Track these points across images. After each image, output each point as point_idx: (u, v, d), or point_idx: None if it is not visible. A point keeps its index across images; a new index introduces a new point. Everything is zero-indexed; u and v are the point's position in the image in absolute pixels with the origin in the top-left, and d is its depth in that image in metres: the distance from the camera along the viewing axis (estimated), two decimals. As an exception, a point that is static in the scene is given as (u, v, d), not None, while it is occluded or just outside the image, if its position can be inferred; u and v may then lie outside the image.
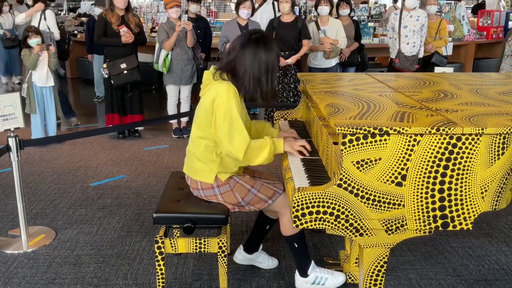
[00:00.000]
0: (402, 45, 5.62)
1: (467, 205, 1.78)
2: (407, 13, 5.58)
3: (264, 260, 2.74)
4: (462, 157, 1.73)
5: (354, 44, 5.88)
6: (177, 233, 2.79)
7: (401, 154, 1.73)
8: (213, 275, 2.68)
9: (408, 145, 1.72)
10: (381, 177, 1.75)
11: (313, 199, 1.78)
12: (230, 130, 2.17)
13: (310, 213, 1.79)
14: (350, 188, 1.76)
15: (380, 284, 1.94)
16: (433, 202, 1.77)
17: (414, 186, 1.76)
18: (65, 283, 2.62)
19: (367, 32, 7.29)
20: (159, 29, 5.16)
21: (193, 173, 2.38)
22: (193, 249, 2.30)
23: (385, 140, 1.72)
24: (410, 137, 1.72)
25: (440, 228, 1.81)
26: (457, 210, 1.78)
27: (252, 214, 3.35)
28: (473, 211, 1.78)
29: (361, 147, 1.73)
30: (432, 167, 1.74)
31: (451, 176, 1.74)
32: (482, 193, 1.77)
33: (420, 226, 1.81)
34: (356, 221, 1.80)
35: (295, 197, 1.79)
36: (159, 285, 2.33)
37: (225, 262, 2.32)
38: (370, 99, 2.17)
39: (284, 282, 2.63)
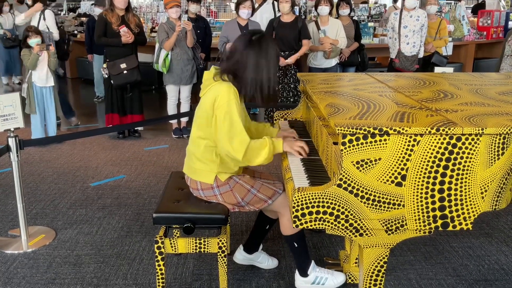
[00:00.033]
0: (402, 45, 5.62)
1: (467, 205, 1.78)
2: (407, 13, 5.58)
3: (264, 260, 2.74)
4: (462, 157, 1.73)
5: (354, 44, 5.88)
6: (177, 233, 2.79)
7: (401, 154, 1.73)
8: (213, 275, 2.69)
9: (408, 145, 1.72)
10: (381, 177, 1.75)
11: (313, 199, 1.78)
12: (230, 130, 2.17)
13: (310, 213, 1.79)
14: (350, 188, 1.76)
15: (380, 284, 1.94)
16: (433, 202, 1.77)
17: (414, 186, 1.76)
18: (65, 283, 2.62)
19: (367, 32, 7.29)
20: (159, 29, 5.16)
21: (193, 173, 2.38)
22: (193, 249, 2.30)
23: (385, 140, 1.72)
24: (410, 137, 1.72)
25: (440, 228, 1.81)
26: (457, 210, 1.78)
27: (252, 214, 3.35)
28: (473, 211, 1.79)
29: (361, 147, 1.73)
30: (432, 167, 1.74)
31: (451, 176, 1.74)
32: (482, 193, 1.77)
33: (420, 226, 1.81)
34: (356, 221, 1.80)
35: (295, 197, 1.79)
36: (159, 285, 2.33)
37: (225, 262, 2.32)
38: (370, 99, 2.17)
39: (284, 282, 2.63)
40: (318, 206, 1.78)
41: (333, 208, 1.78)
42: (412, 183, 1.75)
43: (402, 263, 2.82)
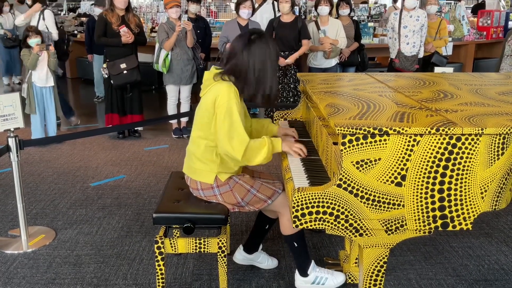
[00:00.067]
0: (402, 45, 5.62)
1: (466, 205, 1.78)
2: (407, 13, 5.58)
3: (264, 260, 2.75)
4: (461, 157, 1.73)
5: (354, 44, 5.88)
6: (177, 233, 2.80)
7: (401, 154, 1.73)
8: (213, 275, 2.69)
9: (408, 145, 1.72)
10: (380, 177, 1.75)
11: (312, 199, 1.78)
12: (230, 130, 2.17)
13: (310, 213, 1.80)
14: (349, 188, 1.76)
15: (380, 284, 1.94)
16: (433, 202, 1.77)
17: (414, 186, 1.76)
18: (65, 283, 2.62)
19: (367, 32, 7.29)
20: (159, 29, 5.16)
21: (193, 173, 2.38)
22: (193, 249, 2.30)
23: (384, 140, 1.72)
24: (410, 137, 1.72)
25: (440, 228, 1.81)
26: (456, 210, 1.78)
27: (252, 214, 3.36)
28: (472, 211, 1.79)
29: (360, 147, 1.73)
30: (431, 167, 1.74)
31: (451, 176, 1.75)
32: (481, 193, 1.77)
33: (420, 226, 1.81)
34: (355, 221, 1.80)
35: (295, 197, 1.79)
36: (159, 285, 2.33)
37: (225, 262, 2.33)
38: (370, 99, 2.17)
39: (284, 282, 2.63)
40: (318, 206, 1.78)
41: (333, 208, 1.78)
42: (412, 183, 1.75)
43: (402, 263, 2.82)
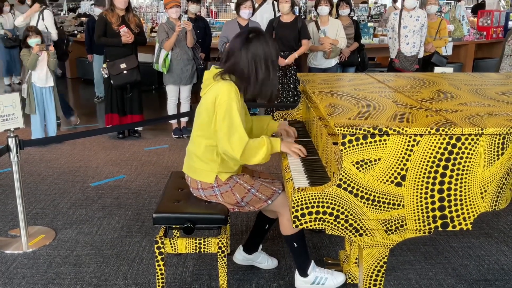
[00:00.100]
0: (402, 45, 5.62)
1: (466, 205, 1.78)
2: (406, 13, 5.58)
3: (264, 260, 2.75)
4: (461, 158, 1.73)
5: (354, 44, 5.88)
6: (176, 233, 2.80)
7: (401, 154, 1.73)
8: (213, 275, 2.69)
9: (408, 145, 1.73)
10: (380, 177, 1.75)
11: (312, 199, 1.78)
12: (230, 129, 2.17)
13: (310, 213, 1.80)
14: (349, 188, 1.76)
15: (380, 284, 1.94)
16: (433, 202, 1.77)
17: (414, 186, 1.76)
18: (65, 283, 2.62)
19: (367, 32, 7.29)
20: (159, 29, 5.16)
21: (193, 172, 2.38)
22: (192, 249, 2.30)
23: (384, 140, 1.72)
24: (410, 137, 1.72)
25: (440, 228, 1.81)
26: (456, 210, 1.78)
27: (252, 214, 3.36)
28: (472, 211, 1.79)
29: (360, 148, 1.73)
30: (431, 167, 1.74)
31: (451, 177, 1.75)
32: (481, 193, 1.77)
33: (420, 226, 1.81)
34: (355, 221, 1.80)
35: (294, 197, 1.79)
36: (159, 285, 2.33)
37: (224, 262, 2.33)
38: (369, 99, 2.17)
39: (284, 282, 2.63)
40: (318, 206, 1.78)
41: (333, 208, 1.78)
42: (411, 183, 1.75)
43: (402, 263, 2.82)
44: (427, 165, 1.74)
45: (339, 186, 1.76)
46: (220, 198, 2.36)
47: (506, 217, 3.46)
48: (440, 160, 1.73)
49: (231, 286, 2.59)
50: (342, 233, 1.83)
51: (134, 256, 2.90)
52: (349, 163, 1.74)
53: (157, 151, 4.99)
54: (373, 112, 1.92)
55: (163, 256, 2.29)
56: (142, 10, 9.27)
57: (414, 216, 1.79)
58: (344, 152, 1.73)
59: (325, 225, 1.81)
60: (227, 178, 2.33)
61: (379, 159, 1.73)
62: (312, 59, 5.55)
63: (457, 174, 1.74)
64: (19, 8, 9.20)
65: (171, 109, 5.38)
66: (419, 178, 1.75)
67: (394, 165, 1.74)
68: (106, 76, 5.11)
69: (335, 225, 1.81)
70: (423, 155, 1.73)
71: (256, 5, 5.90)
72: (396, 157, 1.73)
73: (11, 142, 2.94)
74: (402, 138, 1.72)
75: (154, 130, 5.81)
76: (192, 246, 2.30)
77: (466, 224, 1.80)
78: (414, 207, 1.78)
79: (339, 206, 1.78)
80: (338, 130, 1.71)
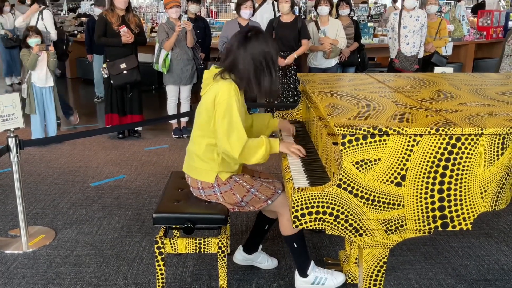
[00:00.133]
0: (402, 45, 5.62)
1: (466, 205, 1.78)
2: (406, 13, 5.58)
3: (264, 260, 2.75)
4: (461, 158, 1.73)
5: (354, 44, 5.88)
6: (176, 233, 2.80)
7: (401, 154, 1.73)
8: (213, 275, 2.69)
9: (408, 146, 1.73)
10: (380, 177, 1.75)
11: (312, 199, 1.78)
12: (229, 127, 2.17)
13: (310, 213, 1.80)
14: (349, 189, 1.76)
15: (380, 284, 1.94)
16: (433, 202, 1.78)
17: (414, 186, 1.76)
18: (65, 283, 2.62)
19: (367, 32, 7.29)
20: (159, 29, 5.16)
21: (194, 172, 2.38)
22: (192, 249, 2.30)
23: (384, 140, 1.72)
24: (410, 137, 1.72)
25: (440, 228, 1.81)
26: (456, 210, 1.78)
27: (252, 214, 3.36)
28: (472, 211, 1.79)
29: (360, 148, 1.73)
30: (431, 167, 1.74)
31: (451, 177, 1.75)
32: (481, 193, 1.77)
33: (420, 226, 1.81)
34: (355, 221, 1.80)
35: (294, 197, 1.79)
36: (159, 285, 2.33)
37: (224, 262, 2.33)
38: (369, 99, 2.17)
39: (283, 282, 2.63)
40: (317, 206, 1.79)
41: (333, 208, 1.78)
42: (411, 183, 1.75)
43: (402, 263, 2.82)
44: (427, 165, 1.74)
45: (339, 186, 1.76)
46: (220, 198, 2.36)
47: (506, 217, 3.46)
48: (440, 160, 1.73)
49: (231, 286, 2.59)
50: (342, 233, 1.83)
51: (134, 256, 2.90)
52: (349, 163, 1.74)
53: (157, 151, 4.99)
54: (373, 112, 1.92)
55: (163, 256, 2.29)
56: (142, 10, 9.27)
57: (414, 216, 1.79)
58: (344, 152, 1.73)
59: (325, 225, 1.81)
60: (228, 177, 2.34)
61: (379, 159, 1.73)
62: (312, 59, 5.55)
63: (457, 174, 1.74)
64: (20, 8, 9.20)
65: (171, 109, 5.39)
66: (419, 178, 1.75)
67: (394, 165, 1.74)
68: (106, 76, 5.11)
69: (335, 225, 1.81)
70: (423, 155, 1.73)
71: (256, 5, 5.90)
72: (396, 157, 1.73)
73: (11, 142, 2.94)
74: (402, 138, 1.72)
75: (154, 130, 5.81)
76: (192, 246, 2.30)
77: (466, 224, 1.80)
78: (414, 207, 1.78)
79: (339, 206, 1.78)
80: (338, 130, 1.71)
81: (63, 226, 3.29)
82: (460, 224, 1.80)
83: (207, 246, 2.30)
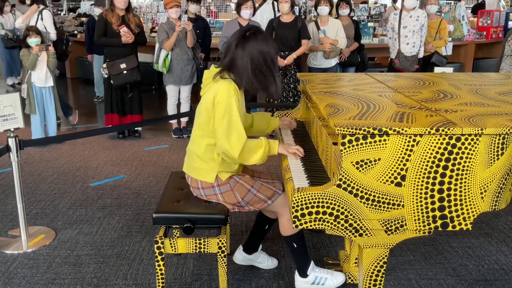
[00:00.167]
0: (402, 45, 5.62)
1: (466, 206, 1.78)
2: (406, 13, 5.58)
3: (264, 260, 2.75)
4: (461, 158, 1.73)
5: (354, 44, 5.88)
6: (176, 233, 2.80)
7: (401, 154, 1.73)
8: (213, 275, 2.69)
9: (408, 146, 1.73)
10: (380, 177, 1.75)
11: (312, 199, 1.78)
12: (229, 127, 2.17)
13: (310, 213, 1.80)
14: (349, 189, 1.76)
15: (380, 284, 1.94)
16: (433, 203, 1.77)
17: (414, 187, 1.76)
18: (65, 283, 2.62)
19: (367, 32, 7.29)
20: (159, 29, 5.16)
21: (194, 172, 2.38)
22: (192, 249, 2.30)
23: (384, 140, 1.72)
24: (410, 137, 1.72)
25: (440, 228, 1.81)
26: (456, 211, 1.78)
27: (252, 214, 3.36)
28: (472, 211, 1.79)
29: (360, 148, 1.73)
30: (431, 167, 1.74)
31: (451, 177, 1.75)
32: (481, 193, 1.77)
33: (420, 226, 1.81)
34: (355, 221, 1.80)
35: (294, 197, 1.79)
36: (159, 285, 2.33)
37: (224, 262, 2.33)
38: (369, 100, 2.17)
39: (283, 282, 2.63)
40: (317, 206, 1.79)
41: (333, 208, 1.78)
42: (411, 183, 1.75)
43: (402, 263, 2.83)
44: (427, 165, 1.74)
45: (339, 186, 1.76)
46: (220, 198, 2.36)
47: (506, 217, 3.46)
48: (440, 160, 1.73)
49: (231, 286, 2.59)
50: (342, 233, 1.83)
51: (134, 256, 2.90)
52: (349, 163, 1.74)
53: (157, 151, 4.99)
54: (373, 112, 1.92)
55: (163, 256, 2.29)
56: (142, 10, 9.27)
57: (414, 216, 1.79)
58: (344, 152, 1.73)
59: (325, 225, 1.81)
60: (228, 177, 2.34)
61: (379, 159, 1.73)
62: (312, 59, 5.55)
63: (457, 174, 1.74)
64: (20, 8, 9.20)
65: (171, 109, 5.39)
66: (419, 178, 1.75)
67: (394, 165, 1.74)
68: (106, 76, 5.11)
69: (335, 225, 1.81)
70: (423, 155, 1.73)
71: (256, 5, 5.90)
72: (396, 157, 1.73)
73: (11, 142, 2.94)
74: (402, 138, 1.72)
75: (154, 130, 5.81)
76: (192, 246, 2.30)
77: (466, 224, 1.80)
78: (414, 207, 1.78)
79: (339, 206, 1.78)
80: (338, 130, 1.71)
81: (63, 226, 3.29)
82: (460, 224, 1.80)
83: (207, 246, 2.30)
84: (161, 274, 2.31)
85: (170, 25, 5.04)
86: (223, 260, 2.32)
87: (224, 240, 2.29)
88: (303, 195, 1.78)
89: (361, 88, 2.46)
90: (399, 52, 5.64)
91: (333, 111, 1.94)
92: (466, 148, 1.72)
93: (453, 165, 1.74)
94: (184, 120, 5.63)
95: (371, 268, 1.92)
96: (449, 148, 1.72)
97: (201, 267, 2.77)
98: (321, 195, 1.77)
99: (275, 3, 5.96)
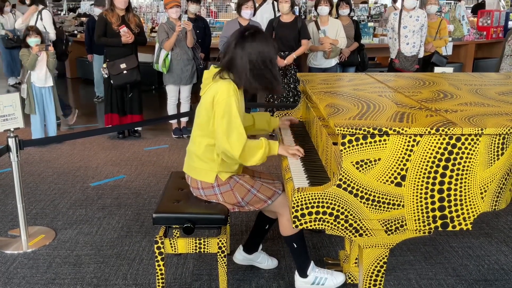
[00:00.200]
0: (402, 45, 5.62)
1: (466, 206, 1.78)
2: (406, 13, 5.58)
3: (264, 260, 2.75)
4: (461, 158, 1.73)
5: (354, 44, 5.88)
6: (176, 233, 2.80)
7: (401, 154, 1.73)
8: (213, 275, 2.69)
9: (408, 146, 1.72)
10: (380, 177, 1.75)
11: (312, 199, 1.78)
12: (228, 127, 2.17)
13: (310, 213, 1.80)
14: (349, 189, 1.76)
15: (380, 284, 1.94)
16: (433, 203, 1.77)
17: (414, 187, 1.76)
18: (65, 283, 2.62)
19: (367, 32, 7.29)
20: (159, 29, 5.16)
21: (194, 172, 2.38)
22: (192, 249, 2.30)
23: (384, 140, 1.72)
24: (410, 137, 1.72)
25: (440, 228, 1.81)
26: (456, 211, 1.78)
27: (252, 214, 3.36)
28: (472, 212, 1.79)
29: (360, 148, 1.73)
30: (431, 167, 1.74)
31: (451, 177, 1.75)
32: (481, 193, 1.77)
33: (420, 226, 1.81)
34: (355, 222, 1.80)
35: (294, 197, 1.79)
36: (158, 286, 2.33)
37: (224, 262, 2.33)
38: (369, 99, 2.17)
39: (283, 282, 2.63)
40: (317, 207, 1.78)
41: (333, 209, 1.78)
42: (411, 183, 1.75)
43: (402, 263, 2.82)
44: (427, 165, 1.74)
45: (339, 186, 1.76)
46: (220, 198, 2.36)
47: (506, 217, 3.46)
48: (440, 160, 1.73)
49: (231, 286, 2.59)
50: (342, 233, 1.83)
51: (134, 256, 2.90)
52: (349, 163, 1.74)
53: (157, 151, 4.99)
54: (373, 112, 1.92)
55: (163, 256, 2.29)
56: (142, 10, 9.27)
57: (414, 216, 1.79)
58: (344, 152, 1.73)
59: (325, 225, 1.81)
60: (228, 178, 2.34)
61: (379, 159, 1.73)
62: (312, 59, 5.55)
63: (457, 174, 1.74)
64: (21, 8, 9.19)
65: (171, 109, 5.39)
66: (419, 178, 1.75)
67: (394, 165, 1.74)
68: (106, 76, 5.11)
69: (335, 225, 1.81)
70: (423, 155, 1.73)
71: (256, 5, 5.90)
72: (396, 157, 1.73)
73: (11, 142, 2.94)
74: (402, 138, 1.72)
75: (154, 130, 5.81)
76: (192, 246, 2.30)
77: (466, 224, 1.80)
78: (414, 207, 1.78)
79: (339, 206, 1.78)
80: (338, 130, 1.71)
81: (63, 226, 3.29)
82: (460, 224, 1.80)
83: (207, 246, 2.29)
84: (161, 274, 2.31)
85: (170, 25, 5.04)
86: (223, 260, 2.32)
87: (224, 240, 2.29)
88: (303, 195, 1.78)
89: (361, 88, 2.46)
90: (399, 52, 5.64)
91: (333, 111, 1.94)
92: (466, 148, 1.72)
93: (453, 165, 1.74)
94: (184, 120, 5.63)
95: (371, 268, 1.91)
96: (449, 148, 1.72)
97: (201, 267, 2.77)
98: (321, 195, 1.77)
99: (275, 3, 5.96)
